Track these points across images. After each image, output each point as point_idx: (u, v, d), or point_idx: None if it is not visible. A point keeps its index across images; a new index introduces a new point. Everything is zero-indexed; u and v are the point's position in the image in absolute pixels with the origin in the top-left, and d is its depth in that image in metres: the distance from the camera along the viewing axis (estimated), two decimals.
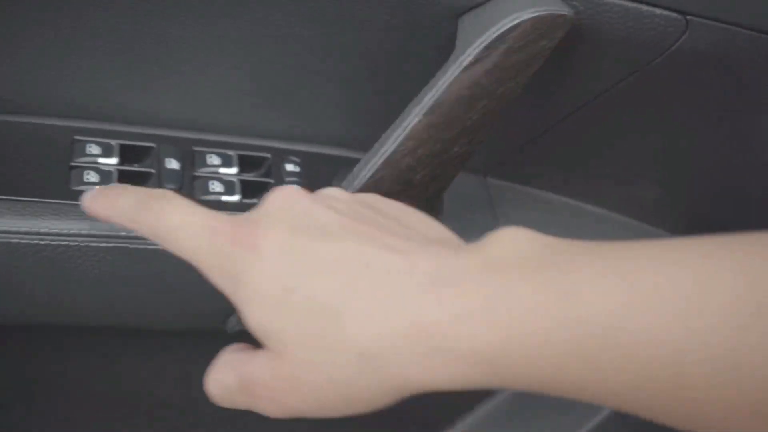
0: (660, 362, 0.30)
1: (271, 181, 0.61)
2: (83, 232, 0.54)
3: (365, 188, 0.55)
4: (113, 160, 0.59)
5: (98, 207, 0.47)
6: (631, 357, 0.31)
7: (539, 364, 0.33)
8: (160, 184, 0.58)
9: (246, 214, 0.42)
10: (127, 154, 0.59)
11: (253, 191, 0.60)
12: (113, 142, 0.60)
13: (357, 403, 0.38)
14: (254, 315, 0.38)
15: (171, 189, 0.58)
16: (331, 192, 0.44)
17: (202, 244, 0.40)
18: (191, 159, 0.61)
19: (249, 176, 0.61)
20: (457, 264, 0.36)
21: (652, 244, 0.34)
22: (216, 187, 0.59)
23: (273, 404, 0.40)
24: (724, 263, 0.31)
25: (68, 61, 0.56)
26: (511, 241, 0.36)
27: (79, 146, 0.59)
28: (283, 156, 0.63)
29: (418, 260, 0.37)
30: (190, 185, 0.59)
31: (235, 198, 0.59)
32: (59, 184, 0.56)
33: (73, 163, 0.58)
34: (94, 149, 0.59)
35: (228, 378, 0.41)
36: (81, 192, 0.52)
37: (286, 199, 0.41)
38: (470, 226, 0.53)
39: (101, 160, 0.58)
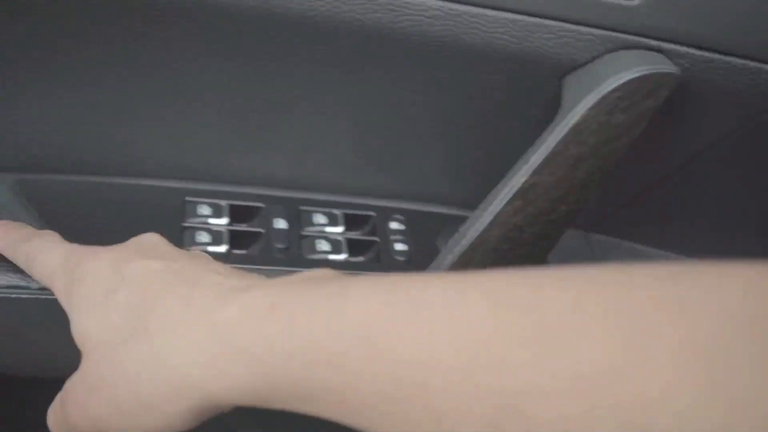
0: (409, 371, 0.31)
1: (377, 239, 0.62)
2: None
3: (473, 247, 0.56)
4: (223, 221, 0.60)
5: None
6: (383, 362, 0.31)
7: (296, 364, 0.33)
8: (269, 244, 0.59)
9: None
10: (236, 214, 0.61)
11: (359, 249, 0.61)
12: (223, 202, 0.61)
13: (158, 415, 0.38)
14: (78, 318, 0.41)
15: (280, 248, 0.59)
16: None
17: (54, 269, 0.45)
18: (298, 218, 0.62)
19: (354, 234, 0.62)
20: (258, 280, 0.39)
21: (432, 275, 0.34)
22: (323, 246, 0.60)
23: (77, 409, 0.40)
24: (478, 290, 0.31)
25: (180, 125, 0.57)
26: (310, 271, 0.39)
27: (190, 207, 0.60)
28: (388, 214, 0.64)
29: (230, 276, 0.40)
30: (297, 244, 0.60)
31: (342, 257, 0.60)
32: (172, 243, 0.57)
33: (185, 224, 0.59)
34: (205, 210, 0.60)
35: (56, 401, 0.43)
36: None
37: (142, 236, 0.46)
38: None
39: (212, 220, 0.60)
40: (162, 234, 0.56)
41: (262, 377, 0.34)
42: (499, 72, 0.54)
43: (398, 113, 0.59)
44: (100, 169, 0.60)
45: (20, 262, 0.49)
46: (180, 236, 0.58)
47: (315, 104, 0.57)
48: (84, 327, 0.41)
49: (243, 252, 0.59)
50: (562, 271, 0.30)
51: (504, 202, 0.54)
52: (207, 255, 0.47)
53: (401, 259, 0.60)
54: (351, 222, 0.63)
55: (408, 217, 0.64)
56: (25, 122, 0.55)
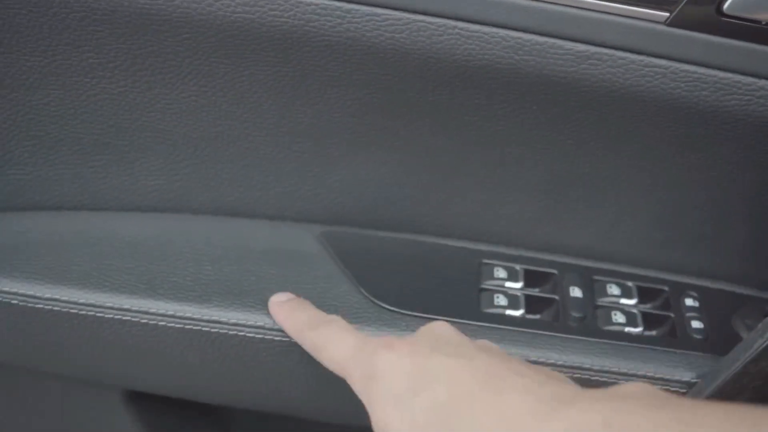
0: None
1: (672, 314, 0.61)
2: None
3: None
4: (518, 284, 0.61)
5: (279, 314, 0.55)
6: None
7: None
8: (564, 311, 0.59)
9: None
10: (530, 279, 0.62)
11: (654, 324, 0.60)
12: (518, 266, 0.62)
13: None
14: (380, 413, 0.42)
15: (576, 317, 0.59)
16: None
17: (348, 361, 0.46)
18: (592, 287, 0.62)
19: (647, 308, 0.61)
20: (576, 389, 0.38)
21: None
22: (618, 317, 0.59)
23: None
24: None
25: (494, 192, 0.59)
26: (626, 385, 0.37)
27: (487, 269, 0.62)
28: (682, 289, 0.63)
29: (540, 382, 0.38)
30: (592, 314, 0.60)
31: (638, 329, 0.59)
32: (471, 305, 0.59)
33: (483, 286, 0.60)
34: (501, 273, 0.61)
35: None
36: (491, 315, 0.55)
37: (432, 326, 0.47)
38: None
39: (507, 283, 0.61)
40: (460, 294, 0.57)
41: None
42: None
43: (699, 193, 0.58)
44: (400, 225, 0.63)
45: (307, 348, 0.52)
46: (478, 297, 0.59)
47: (628, 181, 0.57)
48: (387, 423, 0.42)
49: (536, 317, 0.59)
50: None
51: None
52: (497, 347, 0.47)
53: (698, 337, 0.59)
54: (644, 295, 0.62)
55: (702, 294, 0.63)
56: (336, 180, 0.59)
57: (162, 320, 0.55)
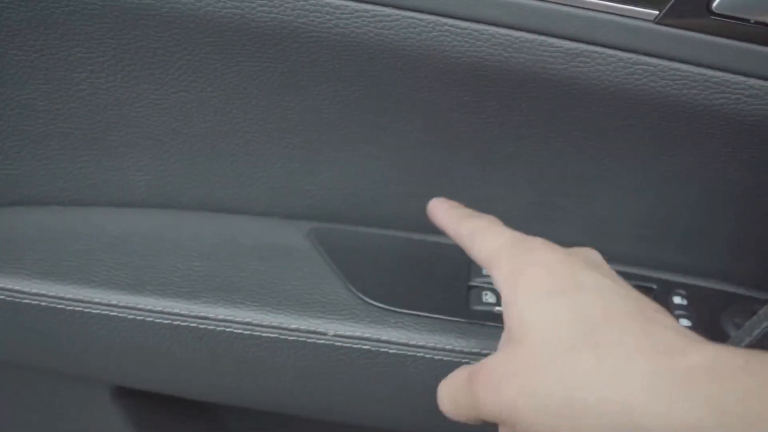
0: None
1: None
2: (483, 351, 0.56)
3: None
4: None
5: (438, 208, 0.54)
6: None
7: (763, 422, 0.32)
8: None
9: None
10: None
11: None
12: None
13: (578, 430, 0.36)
14: (523, 303, 0.41)
15: None
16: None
17: (501, 250, 0.45)
18: None
19: None
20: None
21: None
22: None
23: (491, 391, 0.40)
24: None
25: (484, 191, 0.59)
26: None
27: (475, 266, 0.62)
28: (671, 288, 0.63)
29: (678, 326, 0.39)
30: None
31: None
32: (459, 303, 0.59)
33: (471, 283, 0.60)
34: None
35: (459, 376, 0.43)
36: (480, 312, 0.55)
37: (585, 251, 0.46)
38: None
39: None
40: (448, 291, 0.57)
41: (719, 428, 0.33)
42: None
43: (691, 191, 0.58)
44: (389, 222, 0.63)
45: (462, 238, 0.50)
46: (467, 295, 0.59)
47: (618, 179, 0.57)
48: (529, 315, 0.41)
49: None
50: None
51: None
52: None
53: None
54: None
55: (690, 292, 0.63)
56: (325, 177, 0.59)
57: (150, 316, 0.55)
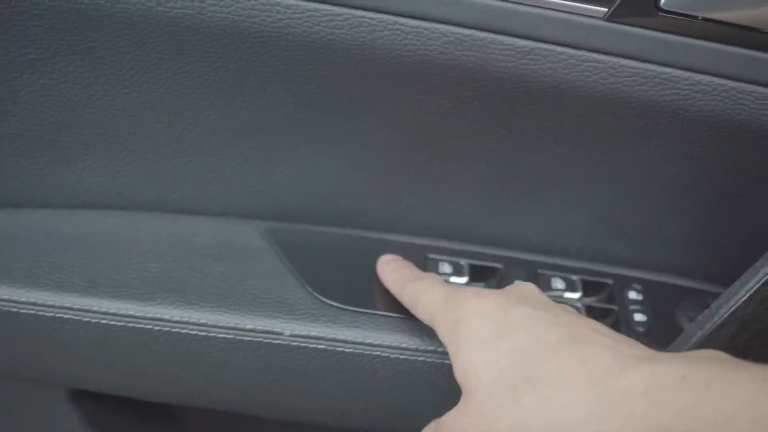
0: None
1: (615, 308, 0.61)
2: (439, 349, 0.56)
3: (726, 323, 0.54)
4: (463, 279, 0.61)
5: (386, 270, 0.57)
6: None
7: None
8: None
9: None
10: (475, 274, 0.62)
11: (597, 317, 0.60)
12: (463, 261, 0.62)
13: None
14: (463, 356, 0.43)
15: None
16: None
17: (437, 307, 0.48)
18: (536, 281, 0.62)
19: (592, 301, 0.62)
20: (655, 351, 0.40)
21: None
22: None
23: None
24: None
25: (439, 188, 0.59)
26: (701, 351, 0.40)
27: (432, 264, 0.62)
28: (626, 283, 0.63)
29: (621, 341, 0.41)
30: None
31: None
32: None
33: None
34: (446, 268, 0.62)
35: (429, 429, 0.46)
36: None
37: (520, 285, 0.49)
38: None
39: (452, 278, 0.61)
40: None
41: None
42: (741, 145, 0.53)
43: (644, 186, 0.58)
44: (346, 221, 0.63)
45: (405, 300, 0.53)
46: None
47: (572, 175, 0.57)
48: (470, 366, 0.43)
49: None
50: None
51: (764, 279, 0.52)
52: (577, 311, 0.49)
53: (640, 329, 0.60)
54: (588, 288, 0.62)
55: (645, 286, 0.63)
56: (280, 176, 0.59)
57: (104, 318, 0.55)
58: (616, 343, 0.41)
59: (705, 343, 0.54)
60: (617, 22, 0.49)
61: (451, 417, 0.44)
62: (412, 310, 0.52)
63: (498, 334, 0.43)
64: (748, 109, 0.50)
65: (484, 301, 0.46)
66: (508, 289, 0.48)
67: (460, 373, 0.44)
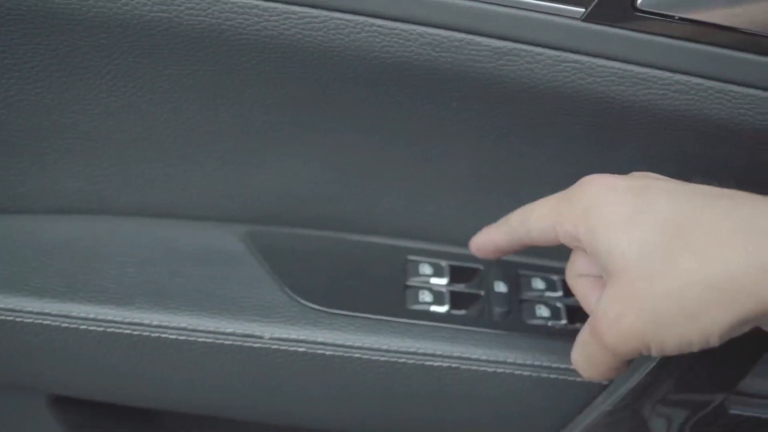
0: None
1: None
2: (419, 351, 0.56)
3: None
4: (444, 280, 0.61)
5: (486, 235, 0.54)
6: None
7: None
8: (489, 306, 0.59)
9: None
10: (455, 275, 0.62)
11: (578, 317, 0.61)
12: (443, 262, 0.62)
13: (702, 325, 0.39)
14: (604, 239, 0.42)
15: (501, 311, 0.59)
16: None
17: (555, 207, 0.47)
18: (517, 282, 0.62)
19: (571, 301, 0.62)
20: None
21: None
22: (543, 311, 0.60)
23: (610, 326, 0.42)
24: None
25: (418, 189, 0.59)
26: None
27: (412, 266, 0.62)
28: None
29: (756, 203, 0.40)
30: (517, 308, 0.60)
31: (563, 322, 0.60)
32: (396, 302, 0.59)
33: (408, 283, 0.60)
34: (426, 269, 0.62)
35: (582, 338, 0.45)
36: (416, 311, 0.56)
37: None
38: None
39: (433, 280, 0.61)
40: (385, 291, 0.58)
41: None
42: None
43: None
44: (325, 223, 0.63)
45: (520, 234, 0.51)
46: (403, 294, 0.59)
47: (551, 175, 0.58)
48: (614, 246, 0.42)
49: (462, 313, 0.59)
50: None
51: None
52: None
53: None
54: (568, 288, 0.62)
55: None
56: (259, 179, 0.59)
57: (83, 323, 0.55)
58: (742, 193, 0.41)
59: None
60: (594, 23, 0.49)
61: (602, 306, 0.43)
62: (528, 234, 0.50)
63: (636, 209, 0.42)
64: (725, 108, 0.50)
65: (606, 182, 0.45)
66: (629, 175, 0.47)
67: (604, 256, 0.42)
